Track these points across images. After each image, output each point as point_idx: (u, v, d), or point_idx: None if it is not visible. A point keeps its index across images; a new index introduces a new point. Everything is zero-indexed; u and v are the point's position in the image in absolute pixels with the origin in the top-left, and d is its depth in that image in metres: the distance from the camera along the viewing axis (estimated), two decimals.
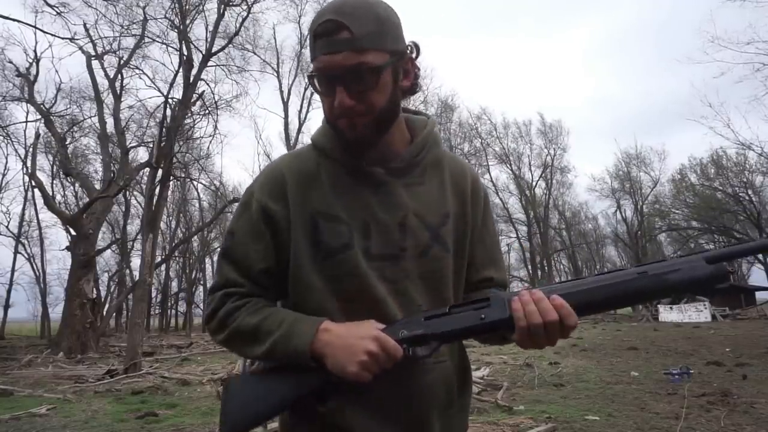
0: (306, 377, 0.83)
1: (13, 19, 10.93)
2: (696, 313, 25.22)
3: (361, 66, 0.81)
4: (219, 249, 0.97)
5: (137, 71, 16.87)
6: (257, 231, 0.91)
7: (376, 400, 0.84)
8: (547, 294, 0.76)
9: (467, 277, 0.98)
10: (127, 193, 25.59)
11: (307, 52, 30.05)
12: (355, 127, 0.85)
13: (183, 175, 18.15)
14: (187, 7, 14.84)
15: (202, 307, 40.59)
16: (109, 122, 17.65)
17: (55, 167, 25.25)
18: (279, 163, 0.96)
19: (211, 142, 17.87)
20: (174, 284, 39.38)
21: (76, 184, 25.54)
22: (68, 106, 20.44)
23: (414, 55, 0.91)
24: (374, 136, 0.87)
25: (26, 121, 21.92)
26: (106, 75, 17.34)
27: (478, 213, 1.00)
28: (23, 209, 29.05)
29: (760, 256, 32.80)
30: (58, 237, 65.53)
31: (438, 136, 1.00)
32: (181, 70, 14.30)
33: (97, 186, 18.12)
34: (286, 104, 29.77)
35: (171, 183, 16.20)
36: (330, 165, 0.93)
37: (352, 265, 0.87)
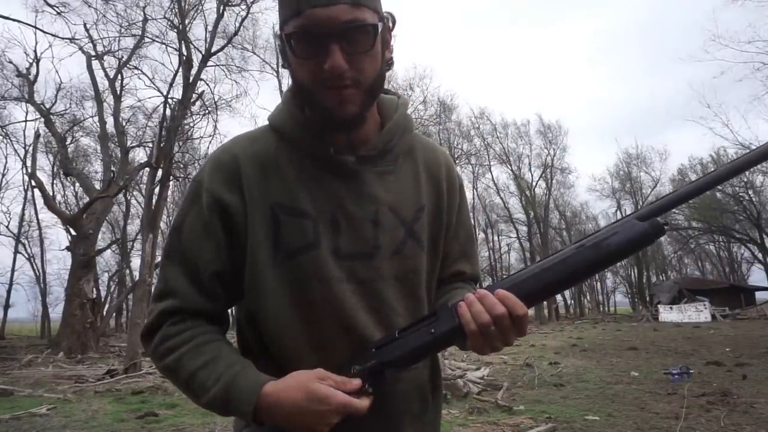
0: None
1: (14, 19, 10.94)
2: (696, 313, 25.21)
3: (359, 22, 0.70)
4: (162, 250, 0.83)
5: (137, 71, 16.86)
6: (208, 227, 0.78)
7: (357, 424, 0.72)
8: (492, 290, 0.69)
9: (439, 271, 0.91)
10: (127, 193, 25.59)
11: None
12: (344, 102, 0.73)
13: (183, 175, 18.12)
14: (187, 7, 14.83)
15: None
16: (109, 122, 17.66)
17: (55, 167, 25.27)
18: (231, 147, 0.82)
19: (211, 142, 17.86)
20: None
21: (76, 184, 25.53)
22: (68, 106, 20.46)
23: (391, 26, 0.81)
24: (362, 114, 0.76)
25: (26, 121, 21.94)
26: (106, 75, 17.35)
27: (453, 207, 0.92)
28: (23, 209, 29.07)
29: (759, 255, 32.85)
30: (58, 237, 65.58)
31: (411, 119, 0.89)
32: (180, 70, 14.29)
33: (97, 186, 18.11)
34: None
35: (171, 183, 16.19)
36: (291, 150, 0.81)
37: (316, 268, 0.77)
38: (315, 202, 0.79)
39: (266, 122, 0.86)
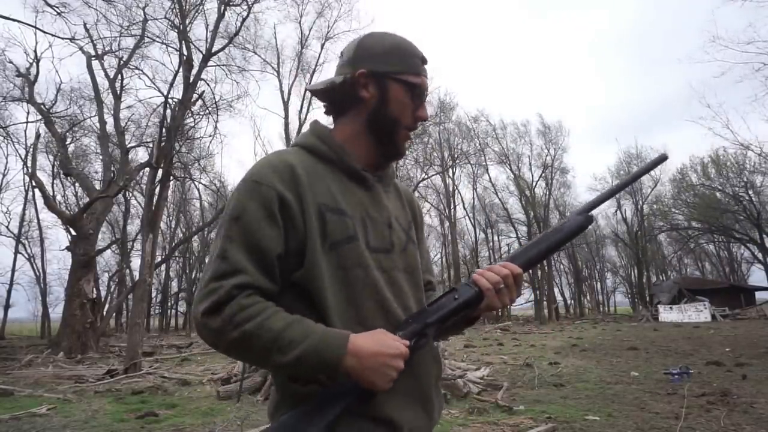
0: (343, 394, 0.87)
1: (14, 20, 10.92)
2: (696, 313, 25.21)
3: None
4: (217, 237, 0.91)
5: (137, 71, 16.85)
6: (272, 216, 0.90)
7: (395, 384, 0.89)
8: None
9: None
10: (127, 193, 25.59)
11: (307, 52, 29.89)
12: (405, 143, 1.06)
13: (183, 175, 18.12)
14: (187, 7, 14.83)
15: None
16: (109, 122, 17.66)
17: (55, 167, 25.26)
18: (284, 157, 0.97)
19: (211, 142, 17.86)
20: (174, 284, 39.39)
21: (76, 184, 25.52)
22: (68, 106, 20.47)
23: None
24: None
25: (27, 122, 21.94)
26: (106, 75, 17.33)
27: (420, 230, 1.18)
28: (23, 209, 29.06)
29: (759, 255, 32.85)
30: (58, 237, 65.68)
31: None
32: (181, 70, 14.29)
33: (97, 186, 18.11)
34: (286, 104, 29.77)
35: (171, 183, 16.19)
36: (326, 165, 1.00)
37: (357, 256, 0.94)
38: (350, 206, 0.98)
39: (290, 145, 1.09)
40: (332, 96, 1.05)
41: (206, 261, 0.94)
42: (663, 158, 1.11)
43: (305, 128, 1.09)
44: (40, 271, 30.22)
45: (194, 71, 14.06)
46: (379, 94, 1.01)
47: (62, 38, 13.48)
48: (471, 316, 1.01)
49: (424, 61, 1.04)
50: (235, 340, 0.82)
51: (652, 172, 36.23)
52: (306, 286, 0.91)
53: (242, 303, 0.83)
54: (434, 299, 0.97)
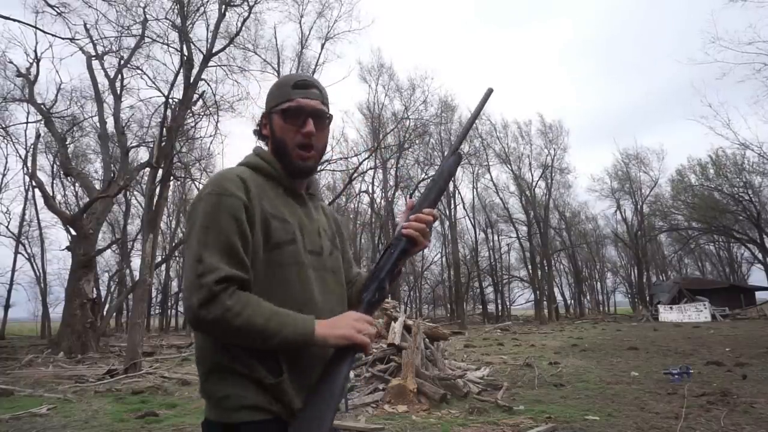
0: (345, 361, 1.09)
1: (14, 20, 10.90)
2: (696, 313, 25.21)
3: (324, 111, 1.24)
4: (189, 246, 1.07)
5: (138, 71, 16.83)
6: (239, 220, 1.08)
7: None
8: (408, 218, 1.24)
9: (346, 274, 1.37)
10: (128, 193, 25.61)
11: (307, 52, 30.05)
12: (306, 159, 1.22)
13: (183, 175, 18.11)
14: (188, 7, 14.83)
15: None
16: (110, 122, 17.65)
17: (55, 167, 25.26)
18: (236, 172, 1.16)
19: (212, 142, 17.85)
20: (174, 284, 39.32)
21: (76, 184, 25.54)
22: (68, 106, 20.46)
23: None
24: (313, 169, 1.25)
25: (27, 122, 21.92)
26: (107, 75, 17.32)
27: (343, 240, 1.43)
28: (24, 209, 29.05)
29: (759, 255, 32.84)
30: (58, 237, 65.60)
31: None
32: (181, 70, 14.29)
33: (98, 186, 18.09)
34: None
35: (171, 183, 16.18)
36: (268, 181, 1.22)
37: (296, 255, 1.16)
38: (290, 215, 1.20)
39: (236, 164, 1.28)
40: (260, 137, 1.33)
41: (184, 268, 1.10)
42: (490, 91, 1.37)
43: (249, 152, 1.33)
44: (40, 271, 30.21)
45: (195, 71, 14.05)
46: (270, 127, 1.25)
47: (62, 38, 13.43)
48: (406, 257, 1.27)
49: (298, 85, 1.22)
50: (239, 325, 1.00)
51: (650, 173, 36.08)
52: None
53: (227, 304, 1.00)
54: (378, 259, 1.23)
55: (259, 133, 1.30)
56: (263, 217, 1.13)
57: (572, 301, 48.77)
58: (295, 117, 1.20)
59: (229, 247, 1.05)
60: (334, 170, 30.23)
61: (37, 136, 18.43)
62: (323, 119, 1.23)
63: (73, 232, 15.77)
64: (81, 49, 15.90)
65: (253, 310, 1.02)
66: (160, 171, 12.62)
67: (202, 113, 15.70)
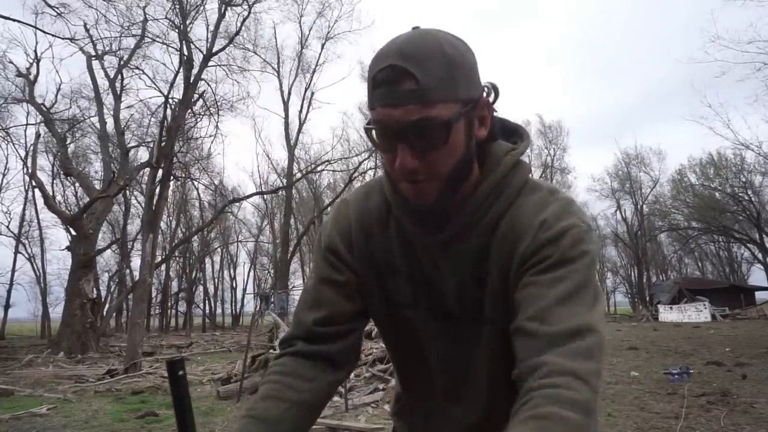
0: None
1: (14, 20, 10.91)
2: (696, 313, 25.19)
3: (427, 121, 0.68)
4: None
5: (137, 71, 16.85)
6: (326, 277, 0.88)
7: None
8: None
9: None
10: (127, 193, 25.61)
11: (307, 52, 29.89)
12: (421, 194, 0.74)
13: (183, 175, 18.11)
14: (188, 7, 14.84)
15: (201, 307, 40.63)
16: (109, 122, 17.65)
17: (55, 167, 25.27)
18: (348, 205, 0.91)
19: (212, 142, 17.85)
20: (174, 284, 39.35)
21: (76, 184, 25.53)
22: (68, 107, 20.46)
23: (492, 98, 0.78)
24: (442, 203, 0.76)
25: (26, 124, 21.92)
26: (107, 75, 17.34)
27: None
28: (24, 209, 29.10)
29: (759, 255, 32.87)
30: (58, 237, 65.63)
31: (513, 178, 0.80)
32: (181, 70, 14.30)
33: (97, 186, 18.10)
34: (286, 104, 29.81)
35: (171, 183, 16.18)
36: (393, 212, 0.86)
37: (412, 324, 0.88)
38: (410, 266, 0.85)
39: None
40: None
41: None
42: None
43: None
44: (40, 271, 30.27)
45: (195, 71, 14.06)
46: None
47: (62, 38, 13.48)
48: None
49: (378, 81, 0.70)
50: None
51: (651, 173, 36.12)
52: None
53: (272, 368, 0.87)
54: None
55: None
56: (374, 268, 0.92)
57: None
58: (381, 140, 0.73)
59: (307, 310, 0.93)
60: (334, 170, 30.28)
61: (37, 136, 18.42)
62: (432, 132, 0.70)
63: (73, 232, 15.77)
64: (81, 49, 15.92)
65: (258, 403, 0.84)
66: (160, 171, 12.63)
67: (202, 113, 15.71)
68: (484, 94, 0.76)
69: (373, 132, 0.73)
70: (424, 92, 0.68)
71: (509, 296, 0.76)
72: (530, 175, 0.84)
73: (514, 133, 0.86)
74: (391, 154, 0.73)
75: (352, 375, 6.72)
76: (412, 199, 0.76)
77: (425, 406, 0.94)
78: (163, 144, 12.64)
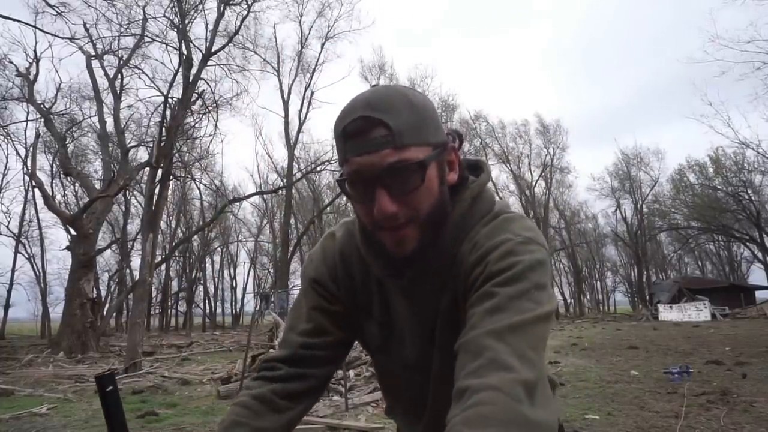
0: None
1: (14, 19, 10.90)
2: (696, 312, 25.21)
3: (402, 163, 0.70)
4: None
5: (137, 71, 16.86)
6: (317, 305, 0.90)
7: None
8: None
9: None
10: (127, 192, 25.58)
11: (307, 51, 29.97)
12: (402, 242, 0.74)
13: (183, 175, 18.12)
14: (187, 6, 14.83)
15: (201, 307, 40.65)
16: (109, 122, 17.66)
17: (55, 167, 25.27)
18: (335, 241, 0.92)
19: (211, 141, 17.86)
20: (174, 284, 39.36)
21: (76, 184, 25.57)
22: (68, 106, 20.46)
23: (456, 145, 0.80)
24: (423, 250, 0.75)
25: (26, 120, 21.94)
26: (106, 75, 17.33)
27: None
28: (23, 209, 29.09)
29: (759, 255, 32.87)
30: (58, 237, 65.72)
31: (471, 214, 0.80)
32: (180, 69, 14.29)
33: (97, 186, 18.11)
34: (286, 103, 29.81)
35: (171, 183, 16.19)
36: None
37: (388, 368, 0.94)
38: (381, 309, 0.88)
39: None
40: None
41: None
42: None
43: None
44: (40, 270, 30.27)
45: (194, 70, 14.05)
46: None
47: (62, 38, 13.47)
48: None
49: (348, 132, 0.71)
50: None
51: (650, 172, 36.11)
52: None
53: (248, 383, 0.94)
54: None
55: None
56: (354, 311, 0.96)
57: (572, 301, 48.79)
58: (357, 190, 0.74)
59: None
60: (334, 170, 30.24)
61: (37, 135, 18.43)
62: (408, 175, 0.71)
63: (73, 232, 15.78)
64: (80, 48, 15.92)
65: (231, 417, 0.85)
66: (160, 171, 12.63)
67: (202, 112, 15.71)
68: (451, 141, 0.79)
69: (346, 184, 0.74)
70: (397, 137, 0.69)
71: (461, 324, 0.73)
72: (494, 201, 0.84)
73: (477, 168, 0.87)
74: (367, 204, 0.73)
75: (352, 374, 6.72)
76: (391, 248, 0.75)
77: (401, 421, 1.03)
78: (162, 144, 12.63)
